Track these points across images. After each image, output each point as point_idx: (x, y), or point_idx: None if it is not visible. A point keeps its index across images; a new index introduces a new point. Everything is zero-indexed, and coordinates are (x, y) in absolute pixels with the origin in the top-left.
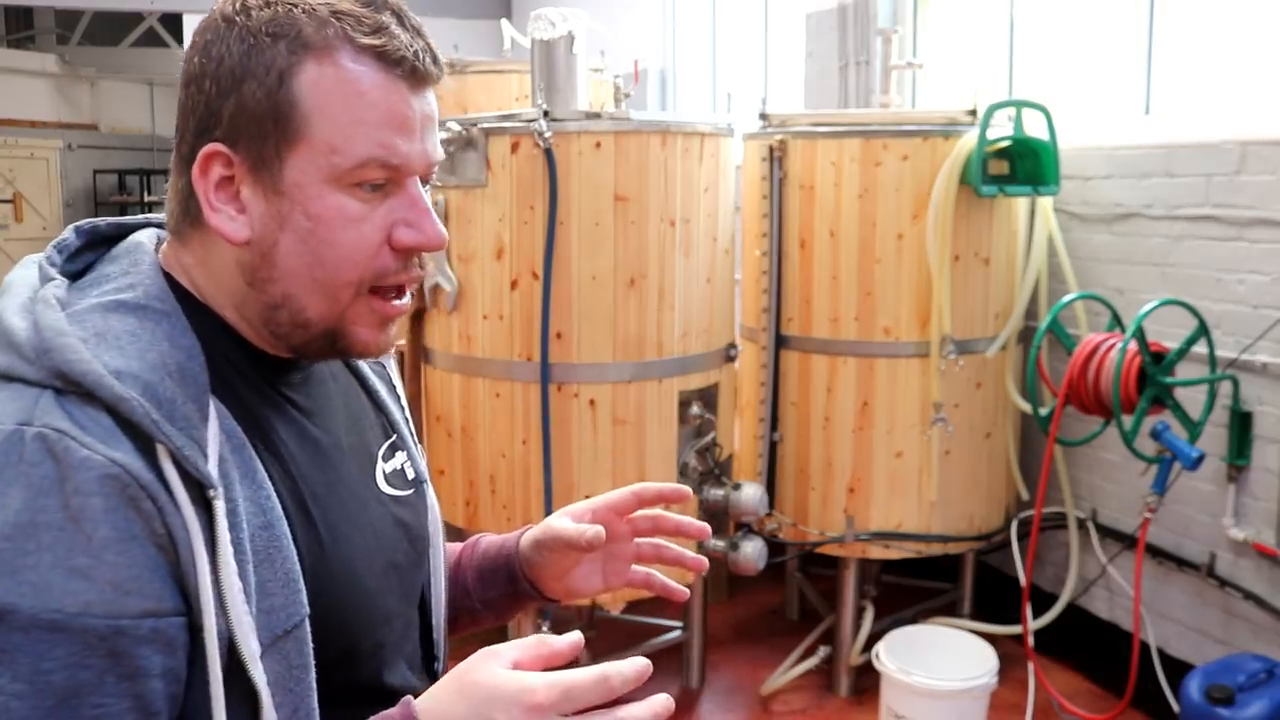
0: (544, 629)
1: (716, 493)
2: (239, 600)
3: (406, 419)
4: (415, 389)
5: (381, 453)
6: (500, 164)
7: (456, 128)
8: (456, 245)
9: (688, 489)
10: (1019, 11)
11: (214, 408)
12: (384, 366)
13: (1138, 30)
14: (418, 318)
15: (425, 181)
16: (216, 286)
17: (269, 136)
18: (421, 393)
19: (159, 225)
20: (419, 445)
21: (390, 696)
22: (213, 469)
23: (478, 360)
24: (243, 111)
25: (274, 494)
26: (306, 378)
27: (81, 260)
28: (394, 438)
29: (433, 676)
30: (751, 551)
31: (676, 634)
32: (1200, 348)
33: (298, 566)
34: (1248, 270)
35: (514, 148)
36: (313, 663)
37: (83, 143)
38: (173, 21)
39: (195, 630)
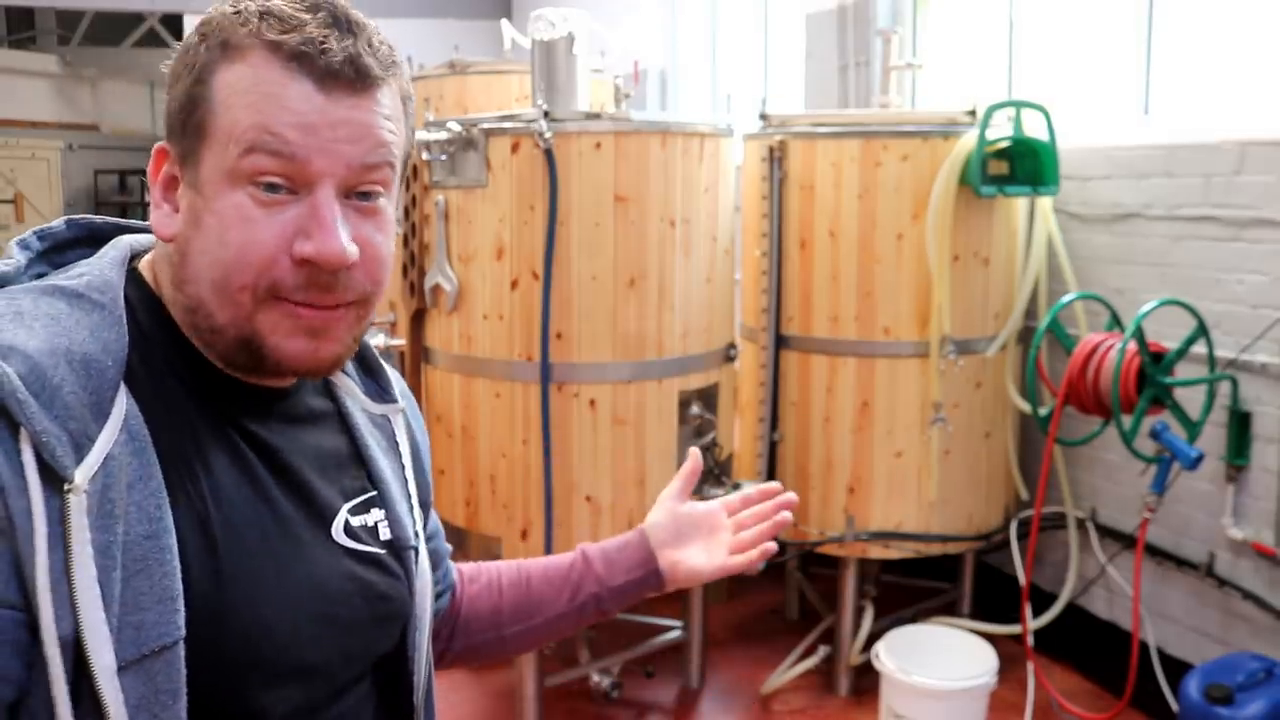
0: None
1: (716, 493)
2: (94, 605)
3: (407, 479)
4: (415, 389)
5: (351, 505)
6: (500, 164)
7: (457, 128)
8: (457, 245)
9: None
10: (1019, 12)
11: (125, 405)
12: (389, 420)
13: (1137, 31)
14: (418, 318)
15: (356, 194)
16: (171, 295)
17: (189, 133)
18: (422, 393)
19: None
20: (416, 510)
21: None
22: (91, 464)
23: (478, 360)
24: (173, 109)
25: (167, 506)
26: (274, 410)
27: (74, 254)
28: (372, 494)
29: None
30: None
31: (676, 634)
32: (1199, 348)
33: (179, 584)
34: (1247, 270)
35: (514, 148)
36: (184, 691)
37: (84, 143)
38: (173, 22)
39: (36, 630)
